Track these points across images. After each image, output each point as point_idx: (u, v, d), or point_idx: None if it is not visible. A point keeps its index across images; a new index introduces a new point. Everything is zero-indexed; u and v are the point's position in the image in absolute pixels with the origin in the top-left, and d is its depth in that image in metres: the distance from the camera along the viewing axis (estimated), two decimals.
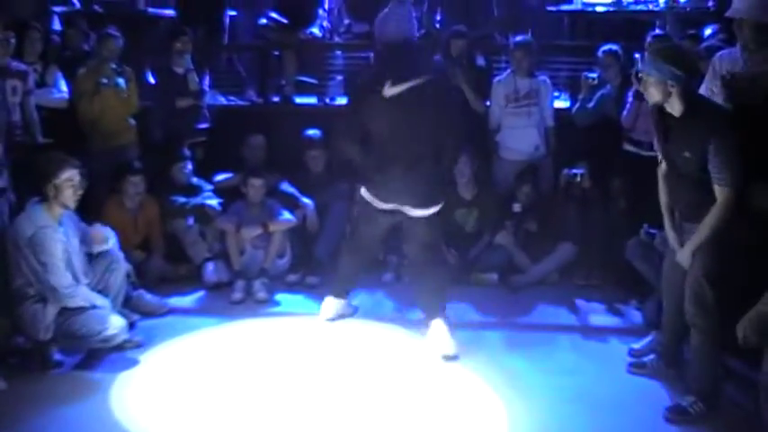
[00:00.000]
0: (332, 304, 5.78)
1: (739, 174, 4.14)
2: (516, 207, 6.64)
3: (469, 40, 7.07)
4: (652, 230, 5.18)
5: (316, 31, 8.08)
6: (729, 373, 4.74)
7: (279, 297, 6.27)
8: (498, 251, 6.65)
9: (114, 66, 6.60)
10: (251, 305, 6.13)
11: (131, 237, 6.33)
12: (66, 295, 4.88)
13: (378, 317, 5.92)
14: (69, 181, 4.92)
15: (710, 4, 7.61)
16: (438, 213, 5.41)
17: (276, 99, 8.06)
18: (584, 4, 8.29)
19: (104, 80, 6.52)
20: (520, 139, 6.88)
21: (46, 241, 4.84)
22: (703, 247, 4.31)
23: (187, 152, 6.85)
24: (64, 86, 6.55)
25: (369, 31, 8.03)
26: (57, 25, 7.40)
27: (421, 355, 5.22)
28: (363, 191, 5.43)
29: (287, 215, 6.56)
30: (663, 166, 4.58)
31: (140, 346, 5.25)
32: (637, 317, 5.82)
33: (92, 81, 6.53)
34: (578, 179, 6.57)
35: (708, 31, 6.50)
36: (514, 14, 7.96)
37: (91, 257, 5.22)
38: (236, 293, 6.23)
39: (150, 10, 8.32)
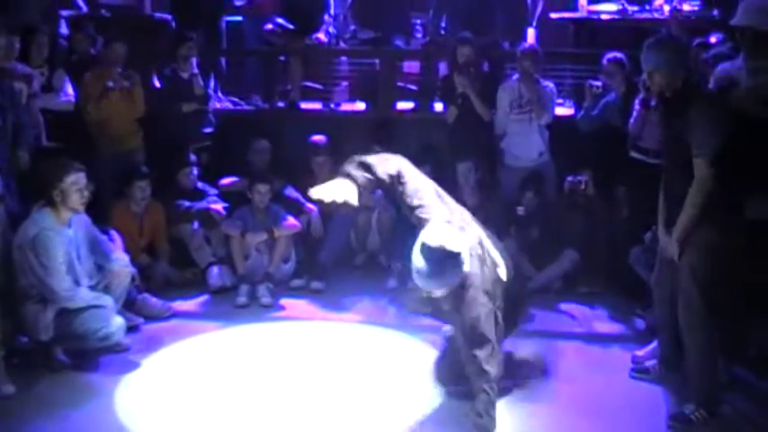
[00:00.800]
0: None
1: (716, 147, 4.17)
2: (520, 210, 6.64)
3: (476, 46, 7.08)
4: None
5: (321, 36, 8.10)
6: (734, 381, 4.74)
7: (283, 302, 6.29)
8: None
9: (120, 70, 6.64)
10: (255, 309, 6.14)
11: (137, 241, 6.37)
12: (65, 298, 4.92)
13: (381, 323, 5.92)
14: (75, 185, 4.96)
15: (715, 12, 7.61)
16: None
17: (282, 104, 8.08)
18: (588, 12, 8.30)
19: (110, 84, 6.55)
20: (524, 145, 6.89)
21: (48, 243, 4.88)
22: (691, 251, 4.31)
23: (192, 157, 6.87)
24: (70, 90, 6.57)
25: (374, 38, 8.05)
26: (64, 29, 7.41)
27: (424, 361, 5.22)
28: None
29: (291, 220, 6.58)
30: (664, 162, 4.60)
31: (128, 349, 5.26)
32: (640, 324, 5.82)
33: (98, 85, 6.56)
34: (582, 186, 6.58)
35: (713, 40, 6.51)
36: (519, 21, 7.96)
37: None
38: (240, 298, 6.24)
39: (156, 15, 8.34)
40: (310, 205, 6.81)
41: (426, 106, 7.88)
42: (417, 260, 4.00)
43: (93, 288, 5.13)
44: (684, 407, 4.46)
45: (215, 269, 6.54)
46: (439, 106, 7.60)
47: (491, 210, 6.77)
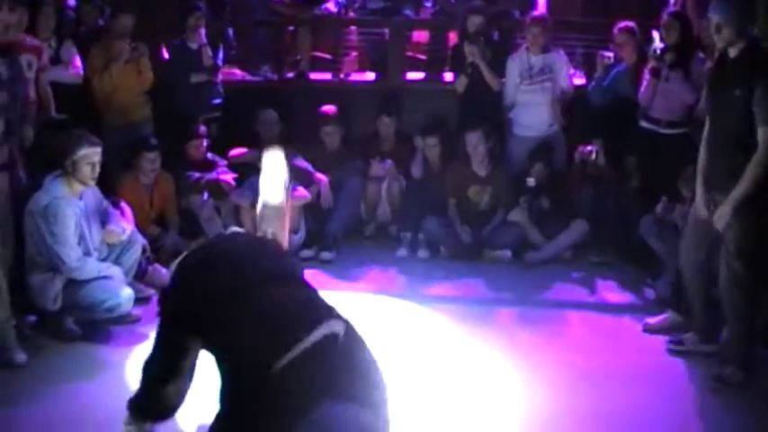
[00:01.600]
0: None
1: None
2: (530, 182, 6.63)
3: (486, 15, 7.03)
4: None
5: (331, 6, 8.05)
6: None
7: None
8: (512, 228, 6.65)
9: (128, 42, 6.62)
10: None
11: (147, 212, 6.37)
12: (74, 268, 4.94)
13: (391, 293, 5.94)
14: (86, 158, 4.97)
15: None
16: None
17: (291, 75, 8.04)
18: None
19: (118, 56, 6.53)
20: (533, 115, 6.86)
21: (59, 212, 4.90)
22: (736, 222, 4.29)
23: (202, 128, 6.86)
24: (79, 62, 6.55)
25: (383, 8, 7.99)
26: (72, 0, 7.38)
27: (434, 331, 5.24)
28: None
29: (301, 191, 6.57)
30: (706, 128, 4.55)
31: (140, 320, 5.27)
32: (650, 294, 5.82)
33: (104, 57, 6.55)
34: (592, 156, 6.56)
35: None
36: None
37: None
38: None
39: None
40: (320, 175, 6.81)
41: (436, 76, 7.84)
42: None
43: (103, 261, 5.15)
44: (723, 368, 4.50)
45: None
46: (449, 76, 7.56)
47: (500, 180, 6.77)
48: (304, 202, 6.63)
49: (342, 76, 8.14)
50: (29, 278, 4.99)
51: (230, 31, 8.26)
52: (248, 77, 8.15)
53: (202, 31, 7.15)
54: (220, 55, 7.66)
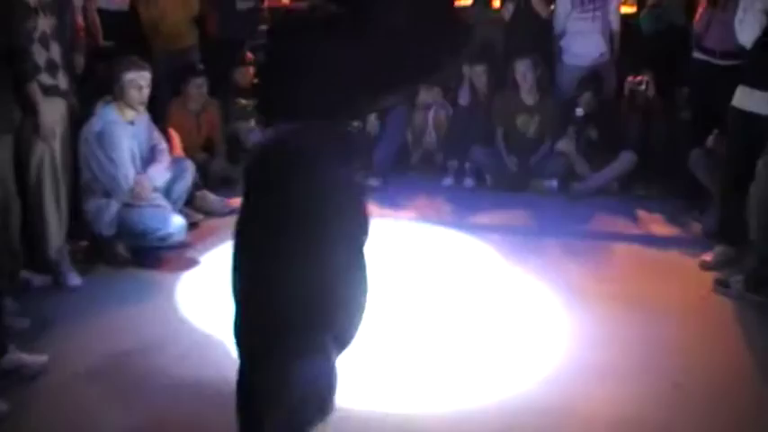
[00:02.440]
0: None
1: None
2: (579, 111, 6.56)
3: None
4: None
5: None
6: None
7: None
8: (559, 158, 6.62)
9: None
10: None
11: (194, 138, 6.42)
12: (130, 191, 5.01)
13: (437, 221, 5.96)
14: (133, 82, 5.01)
15: None
16: None
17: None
18: None
19: None
20: (585, 44, 6.74)
21: (113, 136, 4.96)
22: None
23: (249, 55, 6.86)
24: None
25: None
26: None
27: (479, 260, 5.26)
28: None
29: None
30: None
31: (188, 245, 5.34)
32: (696, 228, 5.77)
33: None
34: (642, 87, 6.45)
35: None
36: None
37: None
38: None
39: None
40: None
41: (484, 3, 7.72)
42: None
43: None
44: (733, 277, 4.54)
45: None
46: (497, 2, 7.45)
47: (548, 109, 6.71)
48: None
49: None
50: (84, 204, 5.07)
51: None
52: (295, 4, 8.08)
53: None
54: None
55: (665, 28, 6.38)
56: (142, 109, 5.15)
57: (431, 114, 7.04)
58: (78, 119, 5.03)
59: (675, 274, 5.09)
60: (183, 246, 5.32)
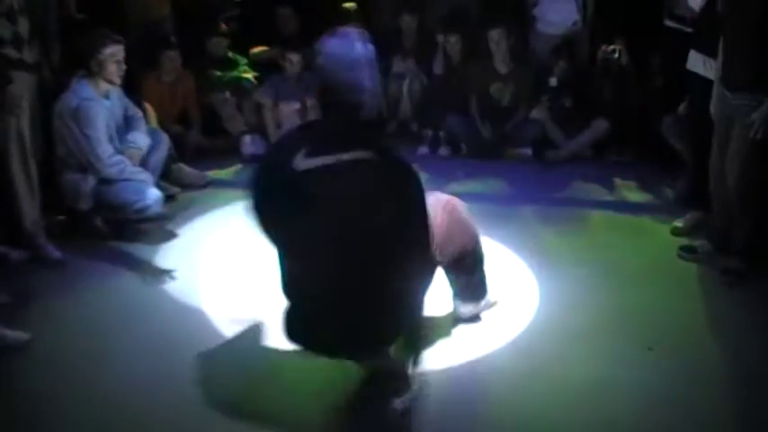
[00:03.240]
0: None
1: None
2: (552, 81, 6.61)
3: None
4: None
5: None
6: None
7: None
8: (533, 125, 6.67)
9: None
10: None
11: (169, 110, 6.42)
12: (108, 165, 5.01)
13: None
14: (113, 56, 5.00)
15: None
16: None
17: None
18: None
19: None
20: (558, 12, 6.78)
21: (90, 113, 4.95)
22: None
23: (224, 26, 6.84)
24: None
25: None
26: None
27: None
28: None
29: None
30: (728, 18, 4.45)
31: (166, 218, 5.36)
32: (669, 194, 5.85)
33: None
34: (615, 55, 6.50)
35: None
36: None
37: None
38: None
39: None
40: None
41: None
42: None
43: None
44: (729, 261, 4.60)
45: (247, 138, 6.60)
46: None
47: (523, 77, 6.75)
48: None
49: None
50: (60, 178, 5.08)
51: None
52: None
53: None
54: None
55: None
56: (118, 82, 5.14)
57: (405, 83, 7.06)
58: (50, 90, 5.02)
59: (648, 239, 5.16)
60: (161, 218, 5.33)
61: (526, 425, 3.40)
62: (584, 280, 4.58)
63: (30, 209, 4.79)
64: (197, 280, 4.64)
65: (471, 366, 3.78)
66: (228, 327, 4.11)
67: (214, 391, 3.60)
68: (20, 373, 3.75)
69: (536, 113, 6.64)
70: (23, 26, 4.60)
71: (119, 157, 5.07)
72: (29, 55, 4.67)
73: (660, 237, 5.16)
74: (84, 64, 5.03)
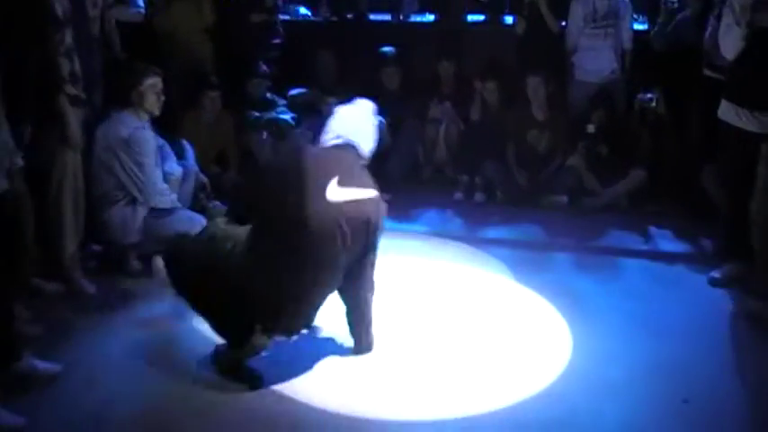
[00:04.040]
0: None
1: None
2: (590, 128, 6.58)
3: None
4: None
5: None
6: None
7: None
8: (569, 173, 6.64)
9: None
10: None
11: (208, 150, 6.46)
12: (160, 192, 5.08)
13: (447, 235, 5.99)
14: (153, 87, 5.09)
15: None
16: None
17: (350, 16, 8.02)
18: None
19: None
20: (596, 60, 6.77)
21: (141, 141, 5.05)
22: None
23: (264, 68, 6.91)
24: (141, 2, 6.61)
25: None
26: None
27: (488, 274, 5.29)
28: None
29: None
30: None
31: None
32: (706, 244, 5.78)
33: None
34: (653, 104, 6.48)
35: None
36: None
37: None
38: None
39: None
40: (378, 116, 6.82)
41: (496, 19, 7.77)
42: None
43: None
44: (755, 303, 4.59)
45: None
46: (510, 19, 7.50)
47: (560, 125, 6.75)
48: None
49: (401, 17, 8.09)
50: (106, 213, 5.10)
51: None
52: (308, 17, 8.15)
53: None
54: None
55: (676, 45, 6.39)
56: (158, 113, 5.21)
57: (442, 129, 7.09)
58: (90, 129, 5.09)
59: (684, 289, 5.11)
60: None
61: None
62: (618, 330, 4.53)
63: (71, 244, 4.84)
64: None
65: (504, 414, 3.74)
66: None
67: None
68: (50, 406, 3.75)
69: (572, 161, 6.62)
70: (77, 63, 4.71)
71: (167, 186, 5.14)
72: (81, 91, 4.78)
73: (696, 287, 5.10)
74: (124, 96, 5.10)
